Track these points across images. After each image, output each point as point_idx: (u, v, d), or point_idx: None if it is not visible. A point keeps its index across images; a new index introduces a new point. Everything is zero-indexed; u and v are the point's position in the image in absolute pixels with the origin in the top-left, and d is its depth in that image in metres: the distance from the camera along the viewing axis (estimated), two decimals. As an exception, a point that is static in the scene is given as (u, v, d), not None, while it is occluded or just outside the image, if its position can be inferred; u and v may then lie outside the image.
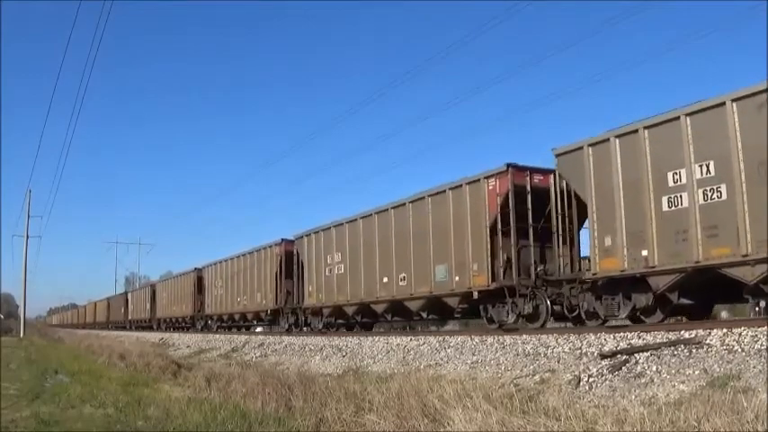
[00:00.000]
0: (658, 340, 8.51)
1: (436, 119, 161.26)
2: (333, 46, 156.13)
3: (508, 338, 11.16)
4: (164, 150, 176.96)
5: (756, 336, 7.60)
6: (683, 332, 8.61)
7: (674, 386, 6.81)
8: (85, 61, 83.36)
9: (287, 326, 22.13)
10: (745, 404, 4.93)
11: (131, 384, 11.22)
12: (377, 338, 14.71)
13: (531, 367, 9.06)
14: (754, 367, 6.66)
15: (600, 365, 8.17)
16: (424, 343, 12.81)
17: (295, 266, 21.47)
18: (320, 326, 19.72)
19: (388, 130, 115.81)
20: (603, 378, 7.73)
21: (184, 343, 25.79)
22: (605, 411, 5.89)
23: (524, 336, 11.13)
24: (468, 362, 10.42)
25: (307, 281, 20.15)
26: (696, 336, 8.22)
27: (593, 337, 9.68)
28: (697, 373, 6.99)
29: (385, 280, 15.96)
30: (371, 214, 16.87)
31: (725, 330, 8.14)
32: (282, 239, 22.57)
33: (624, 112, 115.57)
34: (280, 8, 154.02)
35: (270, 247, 23.43)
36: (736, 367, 6.79)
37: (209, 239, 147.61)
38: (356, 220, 17.69)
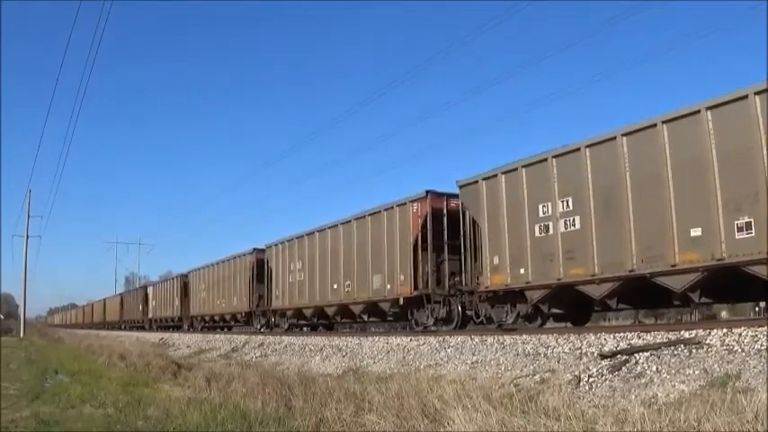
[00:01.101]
0: (658, 340, 8.51)
1: (436, 119, 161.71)
2: (333, 46, 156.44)
3: (508, 338, 11.16)
4: (164, 150, 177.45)
5: (756, 336, 7.60)
6: (683, 332, 8.61)
7: (674, 386, 6.81)
8: (85, 61, 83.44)
9: (432, 320, 14.94)
10: (744, 404, 4.93)
11: (131, 384, 11.21)
12: (377, 338, 14.69)
13: (531, 367, 9.06)
14: (754, 367, 6.66)
15: (600, 365, 8.17)
16: (423, 343, 12.80)
17: (447, 229, 14.77)
18: (509, 320, 12.89)
19: (388, 130, 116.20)
20: (603, 378, 7.73)
21: (184, 343, 25.78)
22: (605, 411, 5.89)
23: (524, 336, 11.13)
24: (468, 362, 10.42)
25: (488, 248, 13.08)
26: (696, 336, 8.22)
27: (593, 337, 9.68)
28: (697, 373, 6.99)
29: (697, 233, 9.42)
30: (655, 124, 10.03)
31: (725, 330, 8.14)
32: (428, 191, 15.12)
33: (624, 112, 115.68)
34: (280, 8, 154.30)
35: (404, 204, 15.65)
36: (736, 367, 6.79)
37: (210, 239, 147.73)
38: (613, 138, 10.68)
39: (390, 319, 17.47)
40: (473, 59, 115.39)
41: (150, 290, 41.82)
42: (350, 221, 18.02)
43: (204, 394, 9.68)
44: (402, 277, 15.47)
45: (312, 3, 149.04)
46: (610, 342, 9.17)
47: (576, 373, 8.17)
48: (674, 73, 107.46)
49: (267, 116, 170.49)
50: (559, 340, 10.04)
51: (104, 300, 59.96)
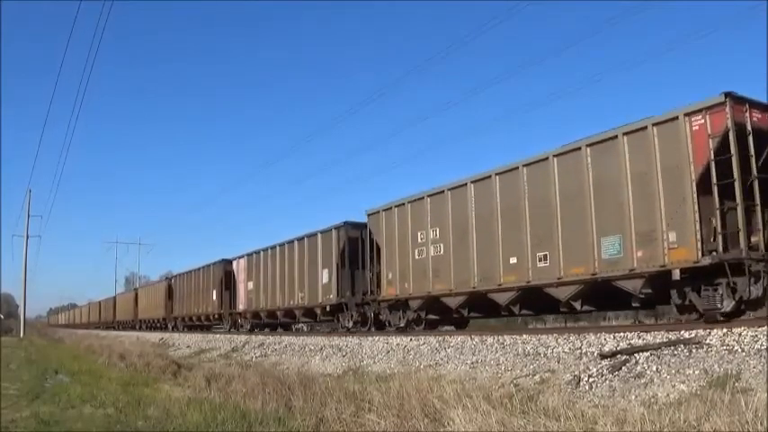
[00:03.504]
0: (658, 340, 8.51)
1: (436, 119, 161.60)
2: (333, 46, 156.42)
3: (508, 338, 11.16)
4: (164, 150, 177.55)
5: (756, 336, 7.60)
6: (682, 332, 8.61)
7: (674, 386, 6.81)
8: (85, 61, 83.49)
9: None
10: (744, 404, 4.92)
11: (131, 384, 11.21)
12: (377, 338, 14.69)
13: (531, 367, 9.05)
14: (753, 367, 6.66)
15: (600, 365, 8.17)
16: (423, 343, 12.80)
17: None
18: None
19: (388, 130, 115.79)
20: (603, 378, 7.73)
21: (184, 343, 25.77)
22: (605, 411, 5.90)
23: (524, 336, 11.13)
24: (468, 362, 10.41)
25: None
26: (696, 336, 8.23)
27: (593, 337, 9.68)
28: (697, 373, 6.99)
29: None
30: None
31: (725, 330, 8.14)
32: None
33: (624, 113, 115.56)
34: (280, 8, 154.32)
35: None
36: (736, 367, 6.79)
37: (210, 239, 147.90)
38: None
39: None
40: (473, 59, 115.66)
41: (239, 264, 25.77)
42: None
43: (204, 394, 9.67)
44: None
45: (312, 3, 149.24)
46: (610, 342, 9.17)
47: (576, 373, 8.17)
48: (674, 73, 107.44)
49: (267, 116, 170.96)
50: (559, 340, 10.04)
51: (135, 291, 46.44)
